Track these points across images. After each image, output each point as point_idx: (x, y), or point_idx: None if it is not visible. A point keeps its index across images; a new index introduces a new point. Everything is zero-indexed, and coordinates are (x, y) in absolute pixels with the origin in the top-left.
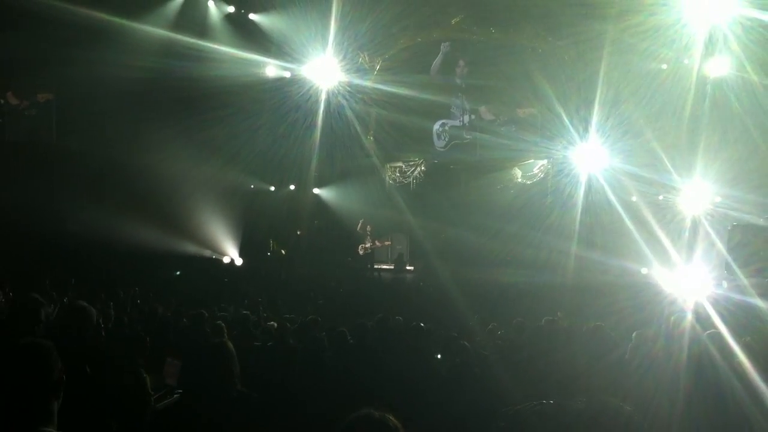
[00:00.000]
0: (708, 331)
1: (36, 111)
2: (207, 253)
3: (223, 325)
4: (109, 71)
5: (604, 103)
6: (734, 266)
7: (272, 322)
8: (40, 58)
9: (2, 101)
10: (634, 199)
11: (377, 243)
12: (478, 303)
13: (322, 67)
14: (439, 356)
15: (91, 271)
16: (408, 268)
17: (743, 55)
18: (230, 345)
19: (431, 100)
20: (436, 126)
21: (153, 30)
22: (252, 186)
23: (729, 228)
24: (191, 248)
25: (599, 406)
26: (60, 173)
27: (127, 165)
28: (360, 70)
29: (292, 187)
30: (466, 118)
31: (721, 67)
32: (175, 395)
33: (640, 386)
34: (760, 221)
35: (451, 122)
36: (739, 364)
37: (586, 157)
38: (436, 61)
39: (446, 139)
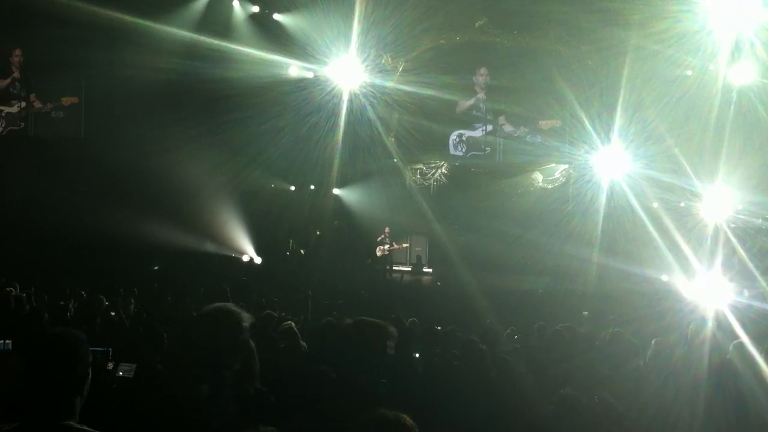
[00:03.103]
0: (732, 342)
1: (63, 113)
2: (226, 251)
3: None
4: (133, 73)
5: (626, 109)
6: (756, 274)
7: (289, 322)
8: (63, 62)
9: (23, 104)
10: (655, 205)
11: (395, 245)
12: (497, 308)
13: (345, 68)
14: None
15: (110, 268)
16: (426, 270)
17: None
18: (251, 342)
19: (452, 104)
20: (453, 136)
21: (177, 31)
22: (273, 186)
23: (751, 235)
24: (211, 247)
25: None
26: (84, 172)
27: (150, 165)
28: (383, 71)
29: (312, 187)
30: (488, 128)
31: (746, 73)
32: None
33: (660, 395)
34: None
35: (468, 132)
36: (761, 373)
37: (608, 163)
38: (466, 103)
39: (463, 151)
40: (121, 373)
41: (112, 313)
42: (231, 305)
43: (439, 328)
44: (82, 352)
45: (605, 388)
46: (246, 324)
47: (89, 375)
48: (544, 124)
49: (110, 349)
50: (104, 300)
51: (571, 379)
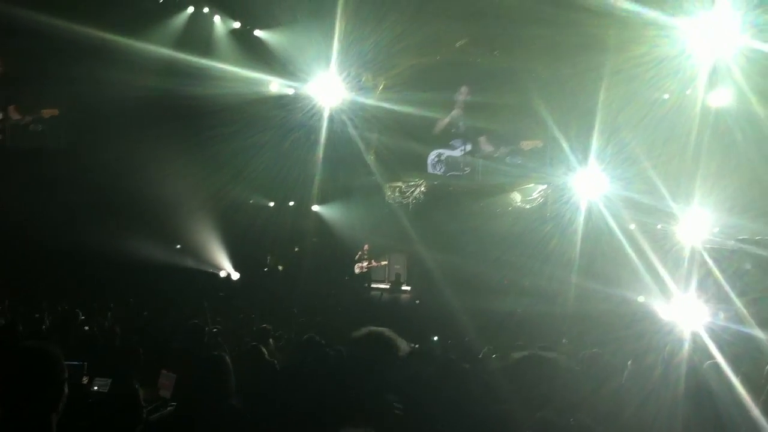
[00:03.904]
0: (707, 362)
1: (42, 126)
2: (205, 267)
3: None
4: (114, 88)
5: (604, 131)
6: (731, 296)
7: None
8: (45, 75)
9: (1, 116)
10: (632, 227)
11: (374, 262)
12: (476, 328)
13: (326, 85)
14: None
15: (90, 282)
16: (405, 288)
17: (747, 86)
18: (227, 358)
19: (432, 123)
20: (432, 156)
21: (157, 48)
22: (251, 202)
23: (726, 257)
24: (190, 262)
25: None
26: (65, 185)
27: (131, 180)
28: (363, 89)
29: (291, 203)
30: (467, 148)
31: (723, 97)
32: (168, 408)
33: (639, 415)
34: (758, 251)
35: (448, 152)
36: (738, 395)
37: (586, 184)
38: (445, 121)
39: (441, 170)
40: (96, 388)
41: (86, 328)
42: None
43: (416, 346)
44: (58, 367)
45: (585, 408)
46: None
47: (65, 391)
48: (526, 144)
49: (85, 363)
50: (80, 314)
51: (552, 400)
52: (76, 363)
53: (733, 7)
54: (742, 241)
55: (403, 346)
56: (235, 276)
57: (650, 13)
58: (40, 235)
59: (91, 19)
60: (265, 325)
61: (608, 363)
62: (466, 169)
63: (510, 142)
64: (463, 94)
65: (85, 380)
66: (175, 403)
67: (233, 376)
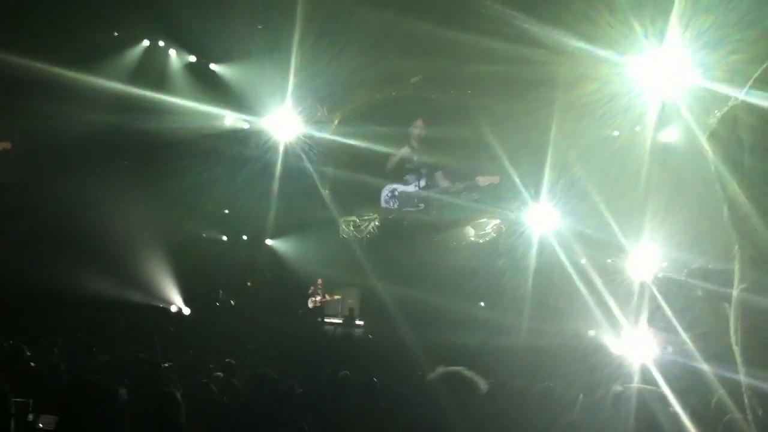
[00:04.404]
0: (655, 394)
1: None
2: (155, 302)
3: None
4: (67, 123)
5: (554, 166)
6: (679, 329)
7: (218, 373)
8: None
9: None
10: (583, 261)
11: (327, 297)
12: (430, 362)
13: (281, 119)
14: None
15: (37, 317)
16: (358, 323)
17: (695, 124)
18: (178, 395)
19: (388, 157)
20: (385, 192)
21: (111, 83)
22: (204, 236)
23: (674, 291)
24: (140, 297)
25: None
26: (14, 219)
27: (82, 215)
28: (318, 123)
29: (245, 238)
30: (422, 183)
31: (672, 134)
32: None
33: None
34: (705, 286)
35: (401, 187)
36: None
37: (538, 219)
38: (398, 156)
39: (395, 206)
40: (41, 425)
41: (32, 364)
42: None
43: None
44: (6, 403)
45: None
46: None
47: (12, 426)
48: (482, 180)
49: (31, 400)
50: (26, 350)
51: None
52: (21, 400)
53: (682, 46)
54: (693, 271)
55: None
56: (187, 311)
57: (601, 51)
58: None
59: (44, 52)
60: (228, 360)
61: (561, 397)
62: (420, 205)
63: (466, 177)
64: (418, 128)
65: (30, 417)
66: None
67: (184, 412)
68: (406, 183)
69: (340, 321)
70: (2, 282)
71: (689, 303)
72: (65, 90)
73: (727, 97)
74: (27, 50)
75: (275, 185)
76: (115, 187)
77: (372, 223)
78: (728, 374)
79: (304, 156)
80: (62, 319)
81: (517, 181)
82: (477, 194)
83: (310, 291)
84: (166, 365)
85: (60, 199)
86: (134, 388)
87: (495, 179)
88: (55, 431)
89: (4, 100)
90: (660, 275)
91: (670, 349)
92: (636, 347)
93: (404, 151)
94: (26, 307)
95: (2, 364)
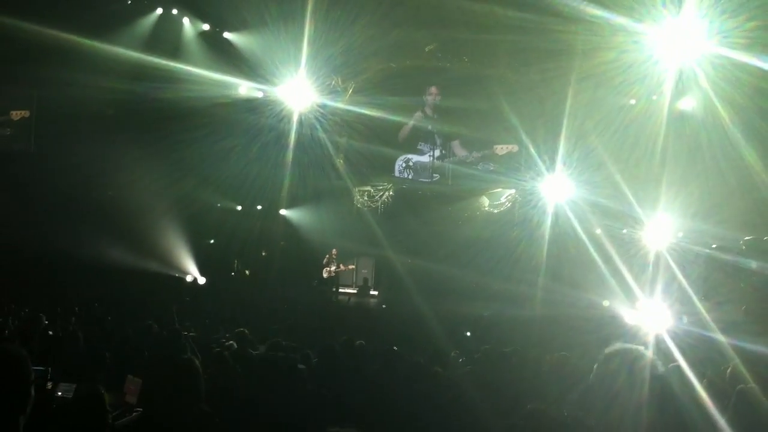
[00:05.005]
0: (669, 365)
1: (11, 130)
2: (171, 271)
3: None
4: (83, 92)
5: (570, 136)
6: (695, 300)
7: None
8: (13, 77)
9: None
10: (598, 231)
11: (342, 267)
12: (444, 332)
13: (295, 89)
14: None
15: (54, 286)
16: (372, 293)
17: (712, 92)
18: (197, 362)
19: (401, 126)
20: (399, 162)
21: (126, 51)
22: (219, 205)
23: (690, 262)
24: (156, 267)
25: None
26: (33, 187)
27: (99, 184)
28: (332, 92)
29: (259, 207)
30: (436, 153)
31: (689, 103)
32: (134, 413)
33: (605, 419)
34: (721, 256)
35: (416, 158)
36: (700, 399)
37: (553, 189)
38: (411, 123)
39: (410, 177)
40: (60, 393)
41: (50, 332)
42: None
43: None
44: (25, 370)
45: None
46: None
47: (32, 393)
48: (500, 149)
49: (49, 368)
50: (44, 318)
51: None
52: (40, 368)
53: (699, 14)
54: (716, 248)
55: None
56: (202, 281)
57: (618, 19)
58: (5, 237)
59: (59, 21)
60: (242, 329)
61: (576, 366)
62: (435, 175)
63: (482, 147)
64: (432, 95)
65: (49, 386)
66: (140, 409)
67: (203, 380)
68: (420, 153)
69: (355, 291)
70: (20, 250)
71: (705, 273)
72: (81, 59)
73: (745, 65)
74: (42, 19)
75: (289, 155)
76: (131, 155)
77: (386, 193)
78: (743, 344)
79: (318, 125)
80: (80, 288)
81: (533, 150)
82: (493, 165)
83: (325, 261)
84: (186, 334)
85: (76, 168)
86: (154, 356)
87: (513, 148)
88: (73, 399)
89: (21, 70)
90: (676, 245)
91: (685, 319)
92: (651, 317)
93: (417, 116)
94: (43, 276)
95: (21, 332)
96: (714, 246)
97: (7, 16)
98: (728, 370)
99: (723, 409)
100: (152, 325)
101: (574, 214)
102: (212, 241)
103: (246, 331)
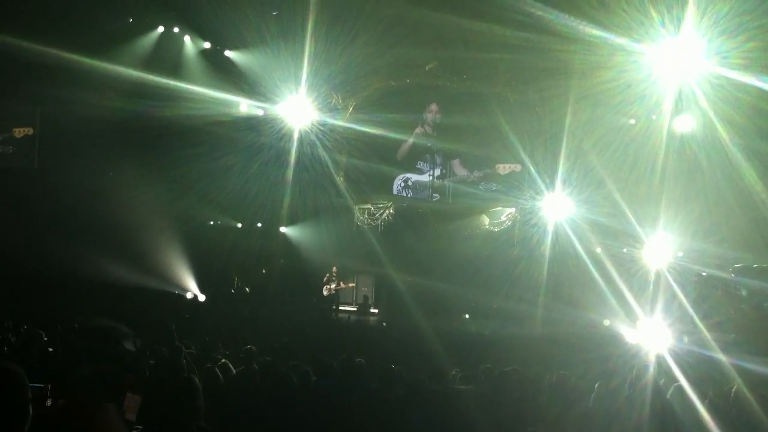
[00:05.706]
0: (672, 385)
1: (14, 147)
2: (171, 288)
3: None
4: (85, 109)
5: (569, 155)
6: (695, 319)
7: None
8: (16, 93)
9: None
10: (598, 250)
11: (342, 284)
12: (444, 350)
13: (295, 107)
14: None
15: (54, 302)
16: (372, 311)
17: (712, 112)
18: (197, 380)
19: (402, 144)
20: (397, 182)
21: (127, 69)
22: (219, 223)
23: (690, 281)
24: (156, 283)
25: None
26: (35, 204)
27: (100, 201)
28: (333, 110)
29: (259, 225)
30: (437, 172)
31: (689, 123)
32: (134, 431)
33: None
34: (721, 275)
35: (415, 177)
36: (700, 417)
37: (553, 207)
38: (410, 141)
39: (409, 196)
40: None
41: (50, 349)
42: None
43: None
44: (23, 388)
45: (555, 430)
46: None
47: (30, 412)
48: (502, 168)
49: (49, 385)
50: (43, 335)
51: (522, 421)
52: (39, 385)
53: (698, 34)
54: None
55: None
56: (202, 298)
57: (617, 39)
58: (6, 254)
59: (62, 39)
60: (250, 347)
61: (575, 385)
62: (435, 195)
63: (483, 166)
64: (432, 113)
65: (48, 402)
66: (140, 427)
67: (202, 397)
68: (419, 172)
69: (355, 309)
70: (20, 266)
71: (706, 292)
72: (83, 77)
73: (745, 85)
74: (45, 37)
75: (289, 172)
76: (131, 173)
77: (387, 211)
78: (745, 364)
79: (318, 143)
80: (79, 304)
81: (532, 169)
82: (495, 184)
83: (325, 279)
84: (186, 351)
85: (78, 185)
86: (155, 374)
87: (516, 167)
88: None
89: (24, 87)
90: (676, 265)
91: (685, 338)
92: (651, 337)
93: (417, 132)
94: (44, 292)
95: (19, 349)
96: (704, 273)
97: (10, 35)
98: (732, 391)
99: (725, 429)
100: (152, 343)
101: (574, 233)
102: (213, 258)
103: (254, 348)
